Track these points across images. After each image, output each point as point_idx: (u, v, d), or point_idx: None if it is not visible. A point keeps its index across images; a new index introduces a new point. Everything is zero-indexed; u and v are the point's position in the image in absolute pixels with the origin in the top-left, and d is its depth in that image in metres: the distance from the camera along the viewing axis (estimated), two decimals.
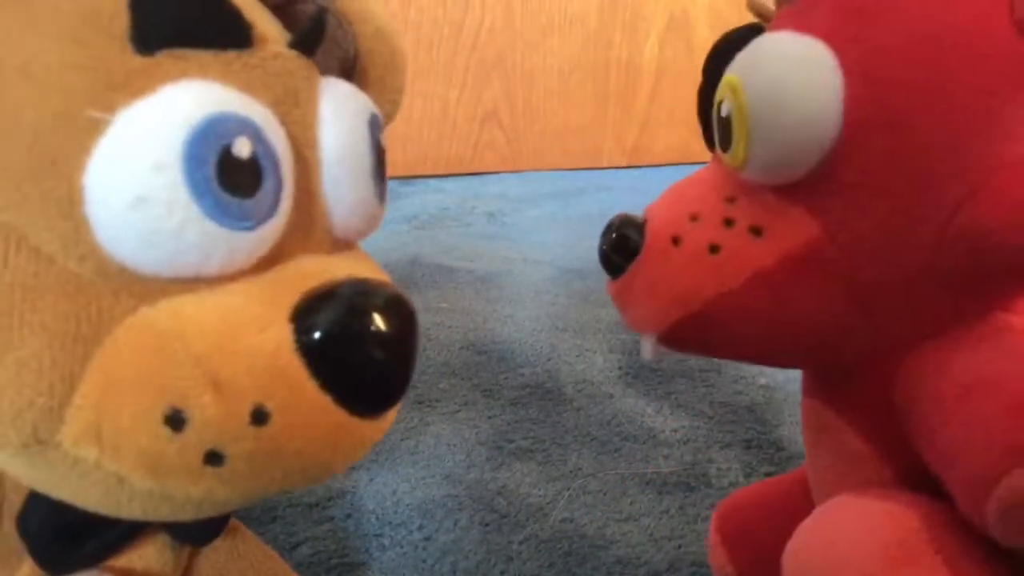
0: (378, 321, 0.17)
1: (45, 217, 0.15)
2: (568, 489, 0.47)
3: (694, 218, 0.24)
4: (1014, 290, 0.22)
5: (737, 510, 0.34)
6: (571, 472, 0.48)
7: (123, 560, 0.22)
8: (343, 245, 0.21)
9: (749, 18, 0.28)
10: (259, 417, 0.16)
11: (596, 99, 1.37)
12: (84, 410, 0.16)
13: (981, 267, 0.21)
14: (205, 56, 0.17)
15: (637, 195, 1.21)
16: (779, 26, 0.23)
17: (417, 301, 0.25)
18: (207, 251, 0.16)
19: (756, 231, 0.23)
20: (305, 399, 0.16)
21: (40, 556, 0.20)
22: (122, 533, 0.22)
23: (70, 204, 0.15)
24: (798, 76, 0.20)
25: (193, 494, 0.17)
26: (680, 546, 0.42)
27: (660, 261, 0.24)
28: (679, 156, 1.43)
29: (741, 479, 0.48)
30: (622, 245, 0.25)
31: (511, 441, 0.52)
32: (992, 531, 0.20)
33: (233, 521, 0.28)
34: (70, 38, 0.16)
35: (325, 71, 0.20)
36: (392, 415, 0.19)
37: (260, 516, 0.42)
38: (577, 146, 1.38)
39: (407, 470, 0.48)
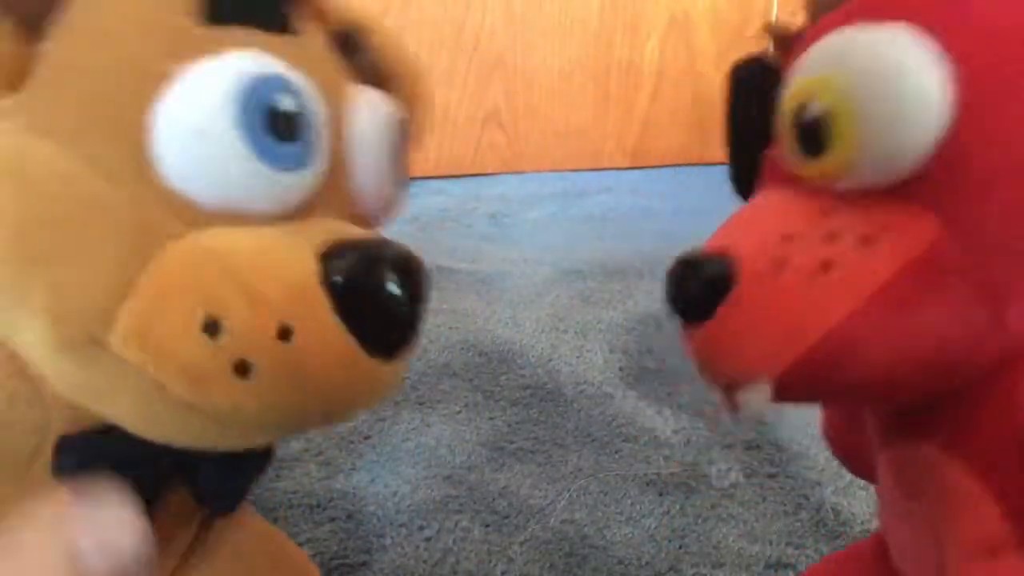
0: (392, 271, 0.20)
1: (117, 148, 0.19)
2: (569, 490, 0.47)
3: (789, 239, 0.21)
4: None
5: None
6: (572, 473, 0.48)
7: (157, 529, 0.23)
8: (361, 221, 0.24)
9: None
10: (284, 333, 0.18)
11: (597, 100, 1.37)
12: (134, 313, 0.18)
13: None
14: (258, 33, 0.20)
15: (638, 196, 1.21)
16: (833, 24, 0.21)
17: None
18: (251, 186, 0.19)
19: (867, 240, 0.20)
20: (325, 326, 0.19)
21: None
22: (154, 480, 0.22)
23: (139, 138, 0.19)
24: (902, 59, 0.19)
25: (222, 406, 0.19)
26: (681, 547, 0.42)
27: (766, 289, 0.20)
28: (680, 157, 1.43)
29: (742, 480, 0.48)
30: (707, 281, 0.21)
31: (512, 442, 0.52)
32: None
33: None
34: (145, 6, 0.19)
35: (359, 79, 0.24)
36: (406, 365, 0.21)
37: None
38: (578, 147, 1.39)
39: (408, 471, 0.48)
